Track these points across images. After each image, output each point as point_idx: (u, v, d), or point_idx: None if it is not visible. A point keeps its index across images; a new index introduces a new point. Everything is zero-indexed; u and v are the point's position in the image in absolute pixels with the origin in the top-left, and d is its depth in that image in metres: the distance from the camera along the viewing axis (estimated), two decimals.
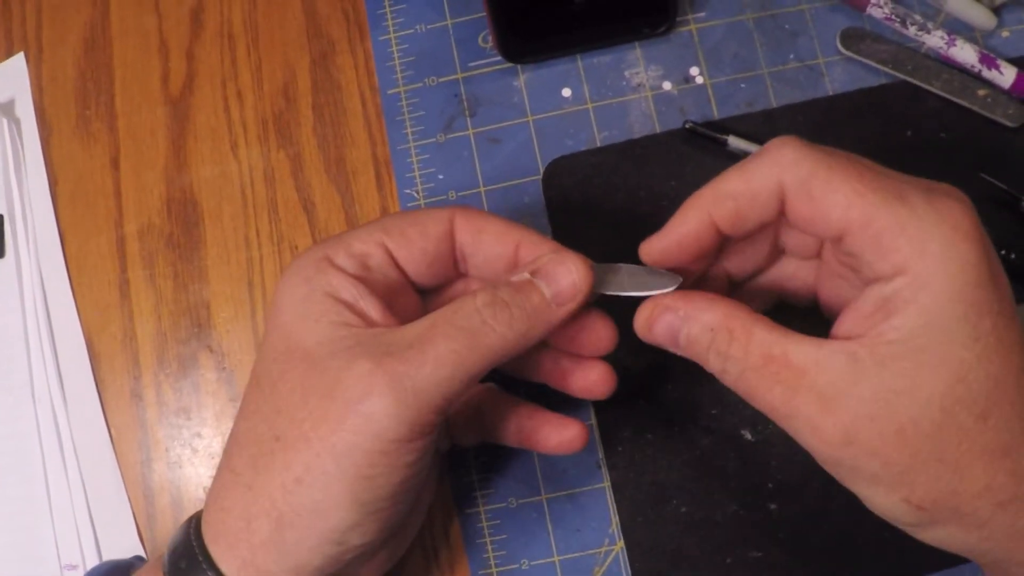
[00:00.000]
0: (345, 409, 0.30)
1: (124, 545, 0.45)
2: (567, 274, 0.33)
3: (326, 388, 0.31)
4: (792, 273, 0.37)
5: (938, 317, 0.27)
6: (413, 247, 0.34)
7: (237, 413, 0.34)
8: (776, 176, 0.30)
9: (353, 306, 0.33)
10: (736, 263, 0.36)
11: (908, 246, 0.27)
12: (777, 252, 0.36)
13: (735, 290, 0.38)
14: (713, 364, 0.31)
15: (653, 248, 0.33)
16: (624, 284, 0.34)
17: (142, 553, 0.45)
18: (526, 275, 0.33)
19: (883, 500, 0.29)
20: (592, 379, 0.37)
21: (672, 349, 0.33)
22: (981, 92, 0.45)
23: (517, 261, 0.35)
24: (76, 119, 0.50)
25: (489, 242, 0.35)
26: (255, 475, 0.32)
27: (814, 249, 0.35)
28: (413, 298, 0.36)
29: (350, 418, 0.30)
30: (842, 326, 0.30)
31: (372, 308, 0.33)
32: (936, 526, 0.29)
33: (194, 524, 0.34)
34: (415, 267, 0.35)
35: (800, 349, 0.29)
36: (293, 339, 0.32)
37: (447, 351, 0.31)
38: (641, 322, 0.33)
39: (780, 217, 0.32)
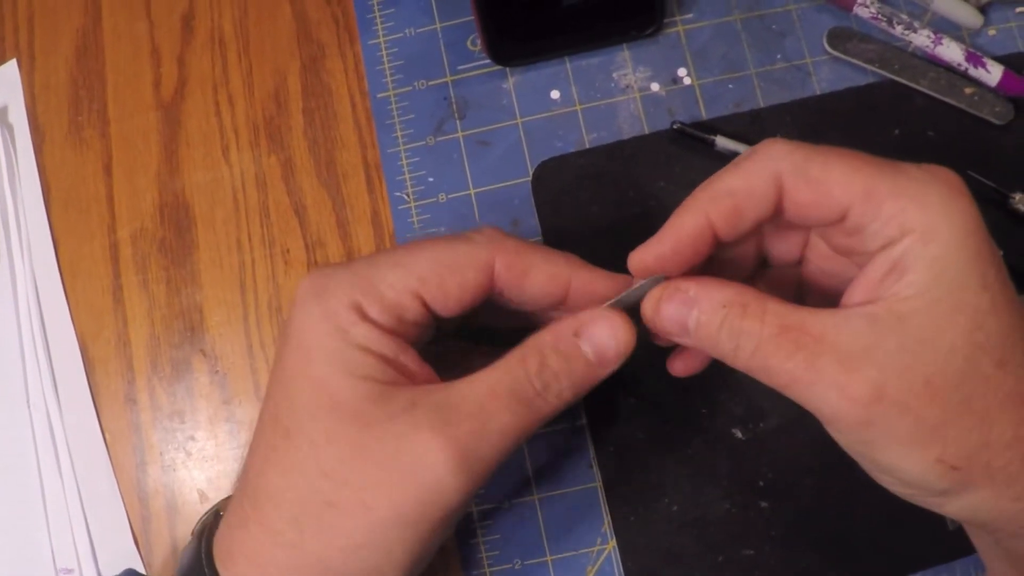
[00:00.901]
0: (412, 481, 0.30)
1: (120, 548, 0.45)
2: (610, 338, 0.33)
3: (386, 456, 0.30)
4: (777, 282, 0.37)
5: (948, 268, 0.28)
6: (450, 298, 0.33)
7: (254, 461, 0.33)
8: (772, 168, 0.30)
9: (394, 361, 0.32)
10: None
11: (911, 206, 0.28)
12: (758, 265, 0.36)
13: None
14: (724, 344, 0.30)
15: (648, 255, 0.32)
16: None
17: (138, 561, 0.45)
18: (571, 337, 0.33)
19: (915, 465, 0.28)
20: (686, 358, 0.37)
21: (678, 337, 0.32)
22: (968, 90, 0.45)
23: (568, 297, 0.34)
24: (69, 125, 0.50)
25: (536, 286, 0.34)
26: (301, 536, 0.31)
27: (797, 253, 0.35)
28: (432, 323, 0.35)
29: (417, 490, 0.30)
30: (854, 293, 0.30)
31: (411, 362, 0.33)
32: (968, 490, 0.28)
33: (207, 564, 0.33)
34: (448, 312, 0.33)
35: (816, 317, 0.29)
36: (336, 396, 0.31)
37: (510, 423, 0.31)
38: (650, 305, 0.32)
39: (770, 219, 0.32)
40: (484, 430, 0.31)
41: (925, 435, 0.28)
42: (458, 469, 0.30)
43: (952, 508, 0.30)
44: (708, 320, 0.31)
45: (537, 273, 0.33)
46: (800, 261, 0.35)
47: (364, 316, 0.32)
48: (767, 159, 0.31)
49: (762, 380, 0.30)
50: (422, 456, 0.30)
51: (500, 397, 0.31)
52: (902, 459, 0.28)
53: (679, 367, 0.37)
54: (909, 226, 0.28)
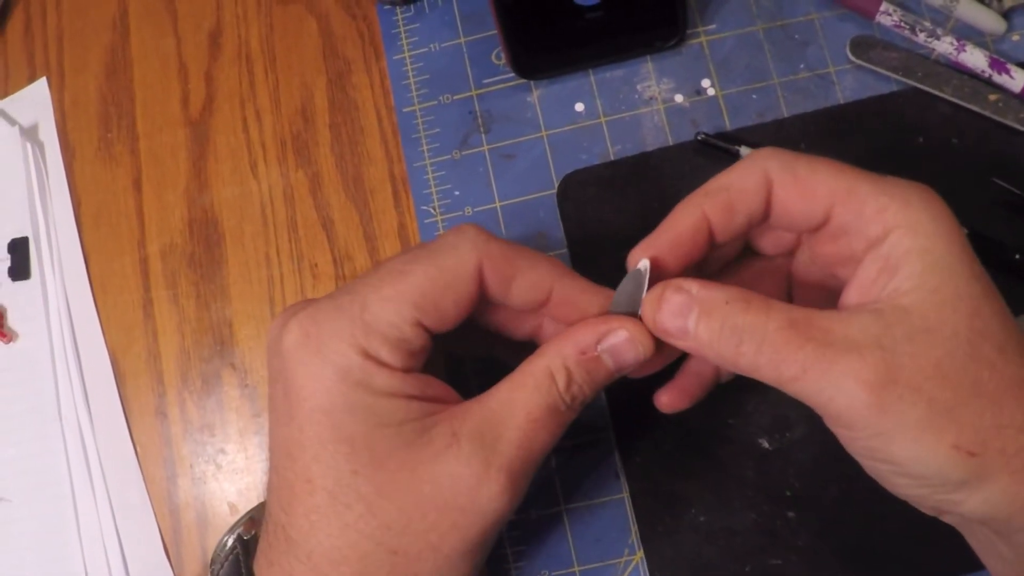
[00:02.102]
0: (473, 514, 0.31)
1: (150, 560, 0.46)
2: (633, 351, 0.33)
3: (444, 500, 0.31)
4: (766, 272, 0.37)
5: (940, 258, 0.29)
6: (448, 316, 0.32)
7: (299, 522, 0.32)
8: (762, 166, 0.32)
9: (421, 396, 0.32)
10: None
11: (893, 204, 0.30)
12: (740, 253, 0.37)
13: None
14: (726, 342, 0.30)
15: (646, 250, 0.33)
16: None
17: (169, 572, 0.46)
18: (594, 349, 0.33)
19: (931, 452, 0.28)
20: None
21: (678, 338, 0.32)
22: (992, 97, 0.45)
23: (549, 301, 0.34)
24: (98, 142, 0.51)
25: (521, 291, 0.34)
26: None
27: (788, 246, 0.36)
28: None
29: (479, 521, 0.31)
30: (849, 295, 0.31)
31: (434, 388, 0.33)
32: (986, 480, 0.28)
33: None
34: (447, 327, 0.33)
35: (822, 314, 0.29)
36: (378, 451, 0.31)
37: (549, 439, 0.33)
38: (651, 304, 0.32)
39: (760, 217, 0.33)
40: (528, 453, 0.32)
41: (939, 418, 0.28)
42: (510, 492, 0.31)
43: (970, 505, 0.29)
44: (709, 318, 0.30)
45: (522, 280, 0.33)
46: (791, 252, 0.36)
47: (379, 363, 0.31)
48: (758, 159, 0.32)
49: (764, 378, 0.30)
50: (478, 490, 0.31)
51: (538, 420, 0.32)
52: (917, 447, 0.28)
53: (665, 401, 0.37)
54: (893, 222, 0.29)
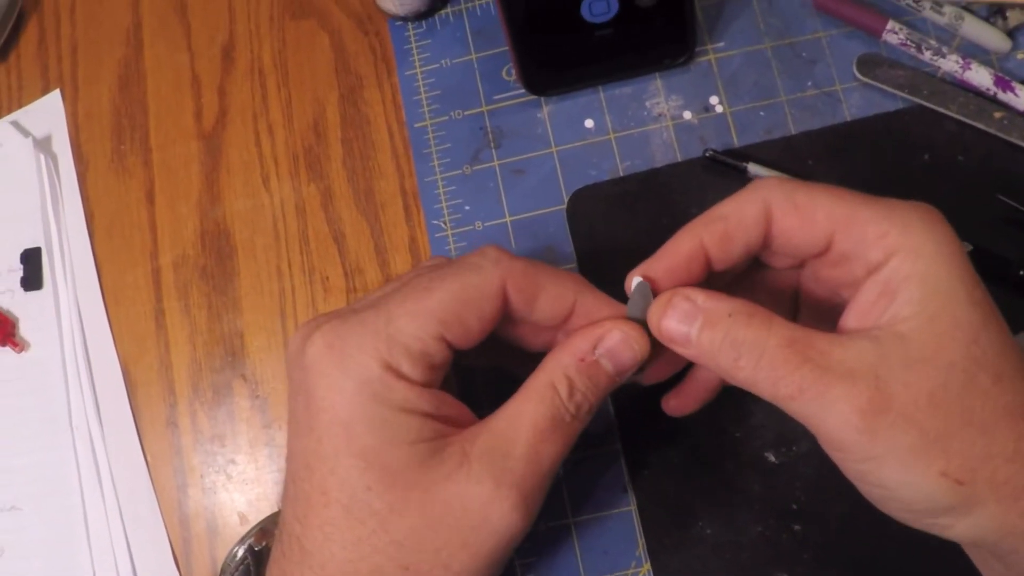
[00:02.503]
0: (484, 533, 0.31)
1: (160, 569, 0.46)
2: (629, 352, 0.34)
3: (455, 519, 0.31)
4: (774, 284, 0.38)
5: (940, 284, 0.29)
6: (472, 333, 0.33)
7: (313, 535, 0.32)
8: (762, 196, 0.32)
9: (436, 415, 0.32)
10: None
11: (894, 229, 0.29)
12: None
13: None
14: (726, 354, 0.30)
15: (643, 272, 0.34)
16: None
17: None
18: (592, 355, 0.33)
19: (920, 479, 0.28)
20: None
21: (681, 346, 0.32)
22: (997, 114, 0.45)
23: (572, 315, 0.35)
24: (111, 154, 0.51)
25: (544, 307, 0.34)
26: None
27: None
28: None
29: (491, 539, 0.31)
30: (849, 320, 0.31)
31: (450, 407, 0.33)
32: (974, 507, 0.28)
33: None
34: (471, 344, 0.34)
35: (821, 335, 0.30)
36: (392, 468, 0.31)
37: (557, 452, 0.33)
38: (655, 310, 0.33)
39: (759, 247, 0.33)
40: (537, 468, 0.32)
41: (929, 447, 0.28)
42: (521, 509, 0.32)
43: (959, 529, 0.29)
44: (712, 328, 0.31)
45: (545, 296, 0.34)
46: (800, 265, 0.36)
47: (399, 375, 0.32)
48: (758, 188, 0.32)
49: (761, 393, 0.30)
50: (489, 508, 0.31)
51: (544, 432, 0.32)
52: (907, 473, 0.28)
53: (673, 404, 0.38)
54: (894, 247, 0.29)
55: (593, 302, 0.35)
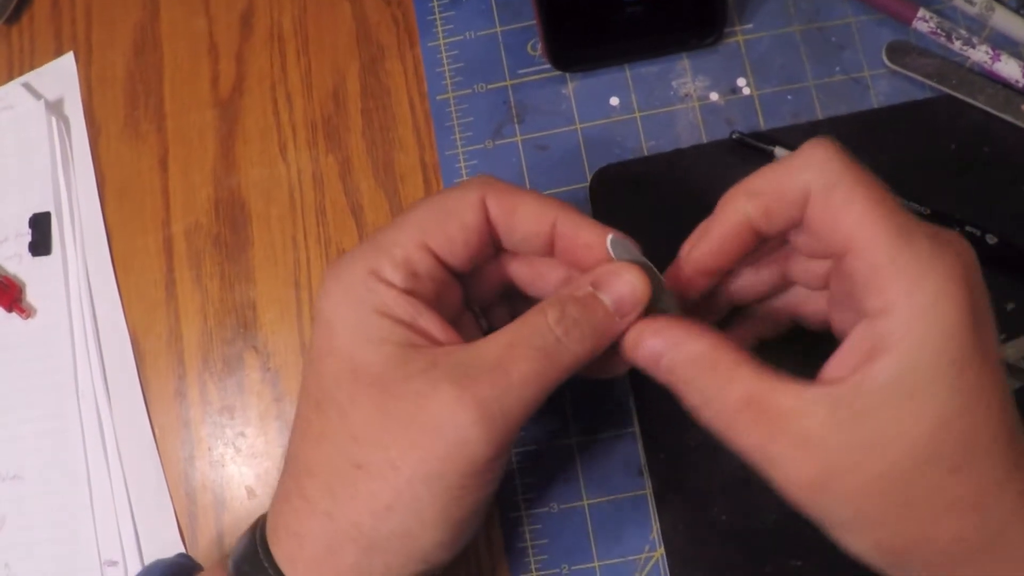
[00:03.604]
0: (435, 436, 0.30)
1: (165, 542, 0.46)
2: (627, 286, 0.33)
3: (409, 415, 0.30)
4: (805, 299, 0.37)
5: (920, 365, 0.27)
6: (455, 242, 0.34)
7: (294, 438, 0.34)
8: (805, 176, 0.30)
9: (413, 325, 0.32)
10: (742, 288, 0.37)
11: (899, 284, 0.28)
12: (787, 281, 0.37)
13: (745, 315, 0.39)
14: (691, 397, 0.31)
15: (699, 253, 0.34)
16: None
17: (182, 550, 0.45)
18: (589, 288, 0.33)
19: (854, 545, 0.30)
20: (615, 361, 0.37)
21: (653, 374, 0.33)
22: None
23: (553, 238, 0.34)
24: (124, 119, 0.50)
25: (524, 222, 0.34)
26: (335, 503, 0.31)
27: (822, 279, 0.35)
28: (456, 289, 0.36)
29: (441, 445, 0.30)
30: (830, 367, 0.30)
31: (431, 324, 0.33)
32: (908, 570, 0.29)
33: (260, 544, 0.33)
34: (458, 260, 0.34)
35: (783, 392, 0.29)
36: (357, 363, 0.32)
37: (531, 372, 0.31)
38: (628, 341, 0.33)
39: (799, 221, 0.32)
40: (504, 382, 0.31)
41: (864, 524, 0.29)
42: (480, 421, 0.30)
43: None
44: (680, 371, 0.31)
45: (524, 210, 0.34)
46: (827, 284, 0.36)
47: (380, 278, 0.32)
48: (804, 165, 0.31)
49: (722, 440, 0.31)
50: (442, 412, 0.30)
51: (519, 347, 0.31)
52: (842, 538, 0.30)
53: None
54: (891, 305, 0.28)
55: (574, 220, 0.34)
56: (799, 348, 0.37)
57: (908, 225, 0.29)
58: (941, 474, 0.27)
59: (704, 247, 0.34)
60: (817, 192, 0.30)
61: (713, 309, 0.38)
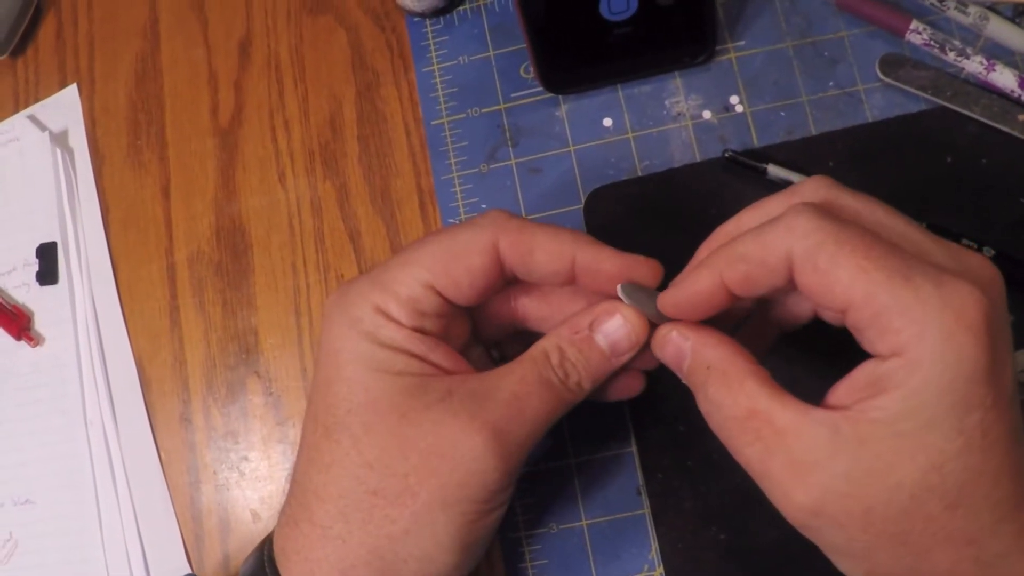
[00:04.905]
0: (453, 463, 0.32)
1: (172, 565, 0.46)
2: (623, 330, 0.34)
3: (427, 444, 0.32)
4: None
5: (924, 405, 0.27)
6: (461, 285, 0.34)
7: (300, 463, 0.35)
8: (786, 244, 0.29)
9: (424, 358, 0.33)
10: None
11: (906, 329, 0.27)
12: None
13: (771, 304, 0.39)
14: (701, 403, 0.32)
15: (670, 302, 0.33)
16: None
17: (189, 571, 0.46)
18: (587, 331, 0.34)
19: (847, 570, 0.30)
20: (624, 381, 0.37)
21: (676, 373, 0.34)
22: (1021, 117, 0.45)
23: (575, 273, 0.34)
24: (127, 149, 0.51)
25: (542, 263, 0.34)
26: (348, 528, 0.32)
27: None
28: (464, 319, 0.37)
29: (459, 472, 0.32)
30: (834, 394, 0.30)
31: (443, 357, 0.34)
32: None
33: (268, 564, 0.34)
34: (464, 298, 0.34)
35: (785, 411, 0.29)
36: (372, 392, 0.32)
37: (541, 408, 0.33)
38: (657, 339, 0.34)
39: (784, 288, 0.31)
40: (517, 415, 0.32)
41: (855, 552, 0.29)
42: (495, 450, 0.32)
43: None
44: (695, 376, 0.32)
45: (541, 252, 0.34)
46: None
47: (388, 317, 0.33)
48: (786, 233, 0.29)
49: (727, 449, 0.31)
50: (461, 440, 0.32)
51: (530, 384, 0.33)
52: (836, 562, 0.30)
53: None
54: (900, 349, 0.27)
55: (593, 254, 0.34)
56: (823, 347, 0.37)
57: (908, 268, 0.27)
58: (937, 510, 0.27)
59: (678, 300, 0.33)
60: (801, 260, 0.29)
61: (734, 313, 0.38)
